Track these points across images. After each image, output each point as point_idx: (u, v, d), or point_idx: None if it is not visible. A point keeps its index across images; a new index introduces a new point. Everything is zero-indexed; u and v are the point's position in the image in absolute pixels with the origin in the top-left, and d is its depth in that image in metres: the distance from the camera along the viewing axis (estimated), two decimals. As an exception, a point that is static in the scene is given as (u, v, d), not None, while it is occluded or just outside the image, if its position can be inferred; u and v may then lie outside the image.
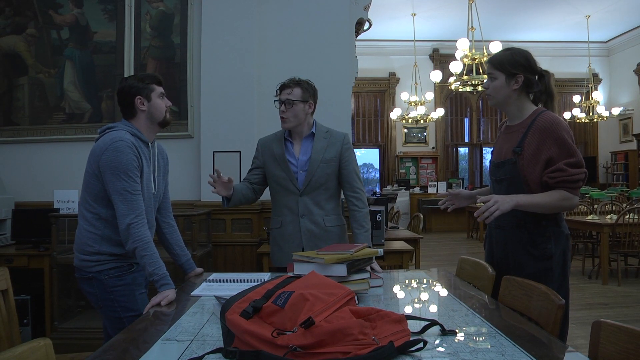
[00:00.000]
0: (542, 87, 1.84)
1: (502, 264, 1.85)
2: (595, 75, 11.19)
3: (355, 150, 2.45)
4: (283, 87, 2.20)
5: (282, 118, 2.19)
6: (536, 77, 1.84)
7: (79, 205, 1.89)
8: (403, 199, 9.68)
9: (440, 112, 10.05)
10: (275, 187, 2.27)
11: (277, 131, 2.32)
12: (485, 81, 1.91)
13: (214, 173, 2.07)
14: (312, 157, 2.20)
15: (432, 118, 9.84)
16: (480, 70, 6.80)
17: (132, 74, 3.67)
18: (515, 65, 1.81)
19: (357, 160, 2.35)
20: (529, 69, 1.82)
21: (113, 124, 1.91)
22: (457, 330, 1.21)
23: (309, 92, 2.21)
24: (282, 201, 2.25)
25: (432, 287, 1.86)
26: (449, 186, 10.78)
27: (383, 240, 3.28)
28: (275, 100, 2.22)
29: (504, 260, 1.86)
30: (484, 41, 6.80)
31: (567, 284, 1.78)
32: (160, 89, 1.94)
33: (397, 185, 10.04)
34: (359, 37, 4.08)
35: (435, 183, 10.96)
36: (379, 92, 11.30)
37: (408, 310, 1.50)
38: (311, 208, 2.20)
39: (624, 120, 11.09)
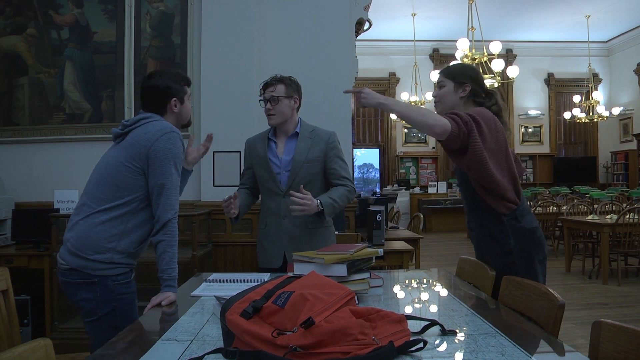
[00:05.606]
0: (493, 104, 1.84)
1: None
2: (595, 75, 11.19)
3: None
4: (266, 85, 2.16)
5: (268, 115, 2.15)
6: (483, 95, 1.87)
7: (88, 202, 1.71)
8: (403, 199, 9.68)
9: (440, 112, 10.04)
10: (261, 188, 2.24)
11: (264, 130, 2.28)
12: (434, 91, 1.97)
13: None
14: (295, 158, 2.14)
15: (432, 118, 9.81)
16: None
17: (133, 74, 3.67)
18: (464, 75, 1.87)
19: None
20: (476, 82, 1.87)
21: (148, 114, 1.78)
22: (457, 330, 1.21)
23: (293, 87, 2.17)
24: (267, 202, 2.21)
25: (432, 287, 1.86)
26: (449, 186, 10.78)
27: (383, 240, 3.27)
28: (259, 100, 2.19)
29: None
30: (484, 41, 6.81)
31: (537, 279, 1.74)
32: (189, 91, 1.90)
33: (397, 185, 10.03)
34: (359, 37, 4.08)
35: (436, 183, 10.96)
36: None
37: (408, 310, 1.50)
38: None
39: (624, 120, 11.10)
